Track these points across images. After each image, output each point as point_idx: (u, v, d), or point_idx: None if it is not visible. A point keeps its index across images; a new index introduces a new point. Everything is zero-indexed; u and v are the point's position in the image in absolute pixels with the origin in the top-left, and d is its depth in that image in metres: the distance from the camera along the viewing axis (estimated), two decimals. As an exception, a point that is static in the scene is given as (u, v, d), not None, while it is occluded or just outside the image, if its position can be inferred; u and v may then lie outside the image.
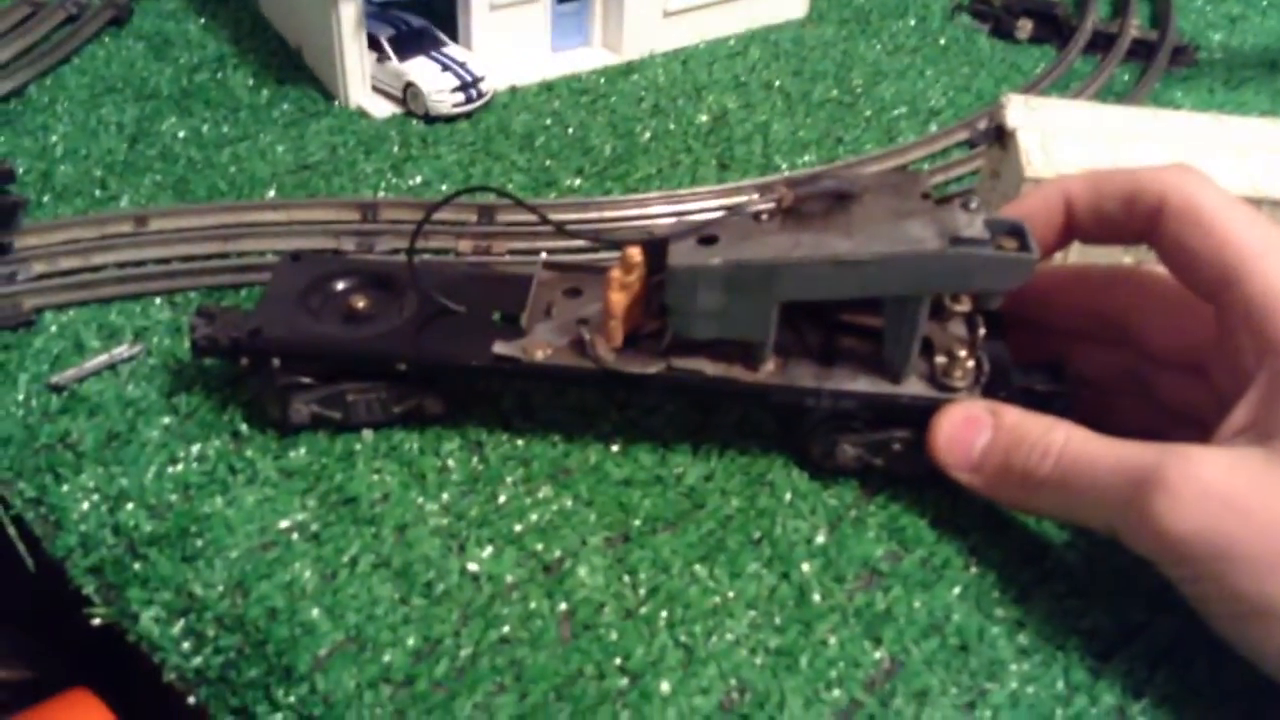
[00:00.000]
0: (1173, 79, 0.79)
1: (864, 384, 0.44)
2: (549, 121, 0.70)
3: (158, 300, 0.54)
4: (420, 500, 0.44)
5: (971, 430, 0.42)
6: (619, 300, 0.44)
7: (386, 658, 0.39)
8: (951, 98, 0.75)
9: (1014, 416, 0.42)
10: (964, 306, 0.47)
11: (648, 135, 0.69)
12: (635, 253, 0.43)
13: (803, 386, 0.44)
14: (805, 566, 0.42)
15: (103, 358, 0.50)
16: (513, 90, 0.74)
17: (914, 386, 0.44)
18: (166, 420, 0.47)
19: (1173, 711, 0.38)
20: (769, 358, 0.45)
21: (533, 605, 0.41)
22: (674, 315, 0.44)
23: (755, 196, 0.47)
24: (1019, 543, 0.44)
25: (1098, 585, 0.42)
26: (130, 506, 0.44)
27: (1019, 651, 0.40)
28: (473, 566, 0.42)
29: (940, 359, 0.45)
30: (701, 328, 0.44)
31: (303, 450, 0.46)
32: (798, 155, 0.68)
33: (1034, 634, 0.40)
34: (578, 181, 0.65)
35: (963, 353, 0.44)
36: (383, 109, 0.70)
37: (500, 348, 0.45)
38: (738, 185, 0.63)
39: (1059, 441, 0.39)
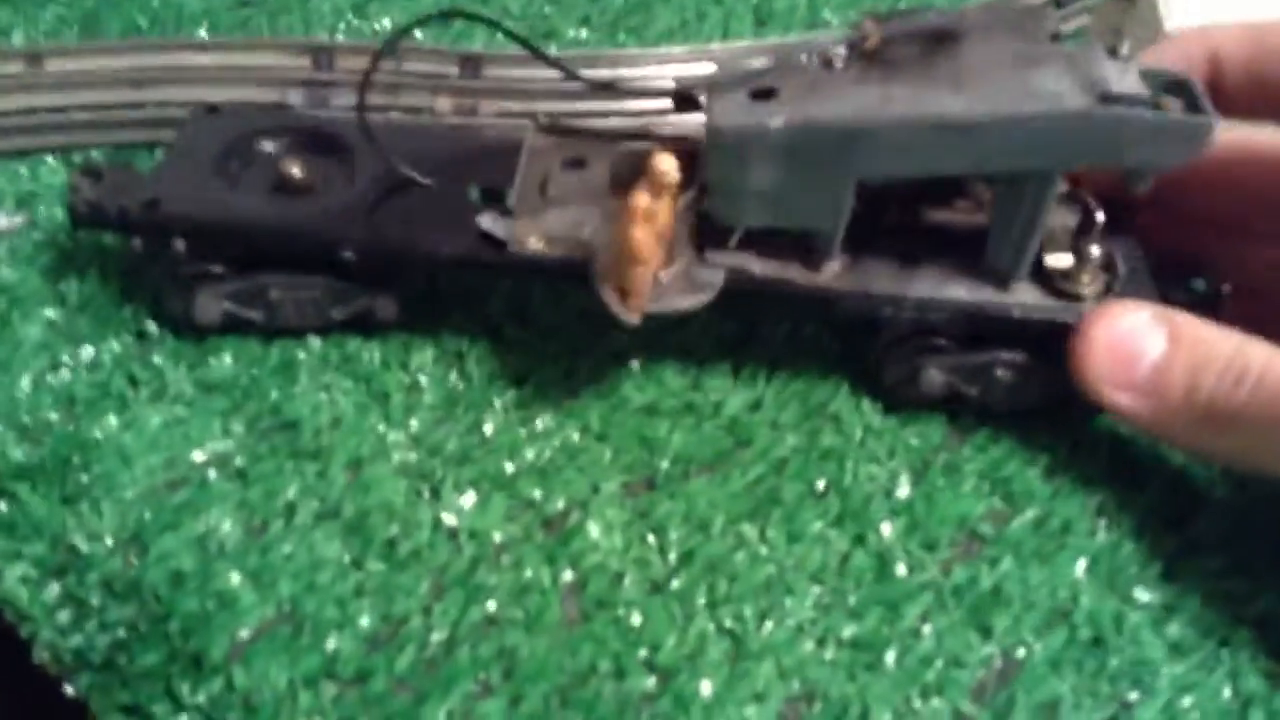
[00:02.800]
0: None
1: (961, 290, 0.34)
2: (548, -40, 0.58)
3: (50, 159, 0.42)
4: (381, 428, 0.34)
5: (1138, 340, 0.32)
6: (645, 239, 0.32)
7: (331, 644, 0.29)
8: (1031, -52, 0.63)
9: (1196, 327, 0.32)
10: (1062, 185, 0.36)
11: (668, -19, 0.57)
12: (669, 167, 0.32)
13: (879, 292, 0.34)
14: (885, 528, 0.32)
15: (-26, 230, 0.38)
16: (504, -78, 0.61)
17: (1027, 294, 0.34)
18: (50, 313, 0.36)
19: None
20: (836, 254, 0.34)
21: (528, 574, 0.31)
22: (715, 195, 0.33)
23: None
24: (1160, 500, 0.34)
25: (1265, 559, 0.32)
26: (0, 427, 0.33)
27: (1170, 648, 0.30)
28: (449, 519, 0.32)
29: (1056, 258, 0.34)
30: (751, 212, 0.33)
31: (228, 359, 0.35)
32: (850, 8, 0.56)
33: (1187, 624, 0.31)
34: (583, 33, 0.53)
35: (1094, 249, 0.34)
36: (345, -62, 0.58)
37: (487, 222, 0.34)
38: (781, 42, 0.52)
39: (1258, 363, 0.29)
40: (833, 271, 0.34)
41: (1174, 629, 0.31)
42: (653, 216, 0.32)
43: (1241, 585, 0.32)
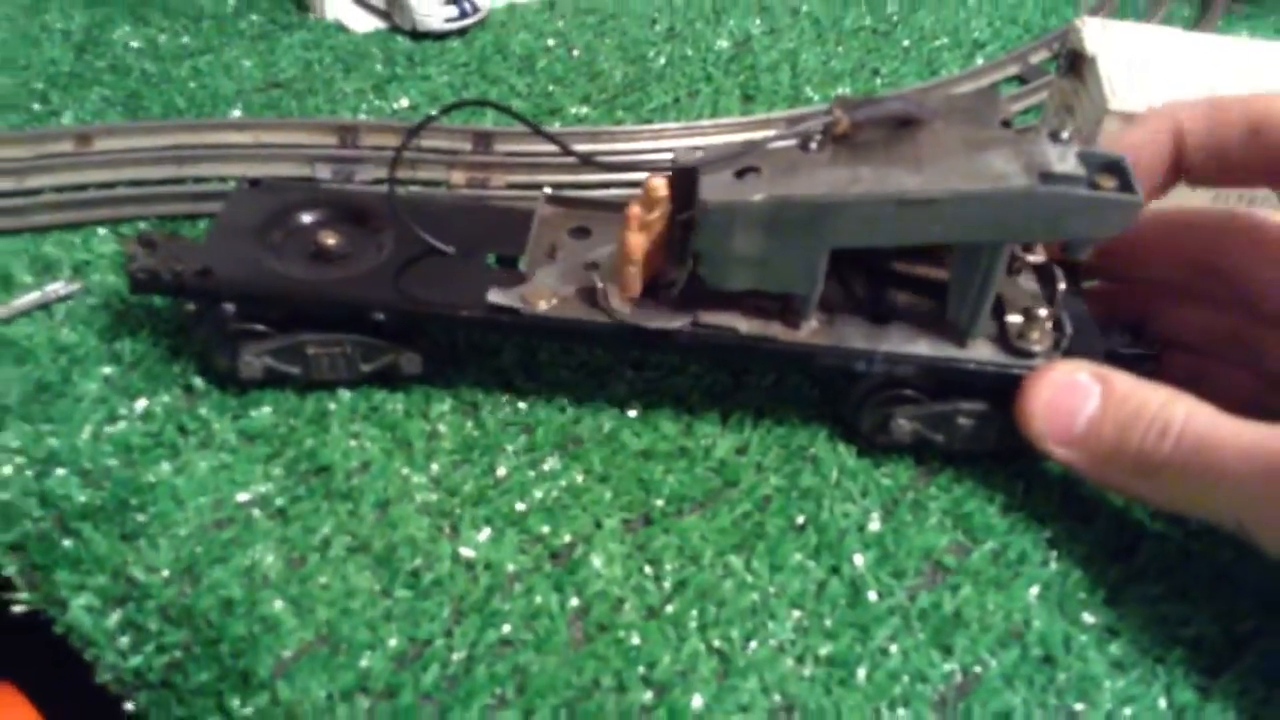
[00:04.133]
0: (1235, 18, 0.73)
1: (924, 346, 0.38)
2: (551, 42, 0.63)
3: (101, 230, 0.47)
4: (405, 471, 0.38)
5: (1075, 397, 0.35)
6: (638, 243, 0.37)
7: (364, 662, 0.32)
8: (997, 29, 0.68)
9: (1126, 384, 0.35)
10: (1037, 256, 0.41)
11: (662, 61, 0.62)
12: (659, 185, 0.36)
13: (852, 348, 0.38)
14: (858, 559, 0.36)
15: (34, 295, 0.42)
16: (510, 6, 0.66)
17: (983, 350, 0.38)
18: (107, 370, 0.40)
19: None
20: (813, 314, 0.38)
21: (539, 600, 0.34)
22: (704, 261, 0.37)
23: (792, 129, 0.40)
24: (1105, 533, 0.37)
25: (1200, 585, 0.36)
26: (61, 472, 0.37)
27: (1112, 665, 0.34)
28: (467, 552, 0.36)
29: (1013, 318, 0.39)
30: (736, 277, 0.37)
31: (267, 410, 0.39)
32: (830, 87, 0.61)
33: (1129, 644, 0.34)
34: (584, 110, 0.57)
35: (1042, 311, 0.38)
36: (364, 22, 0.63)
37: (496, 296, 0.38)
38: (766, 118, 0.56)
39: (1179, 418, 0.33)
40: (810, 329, 0.38)
41: (1116, 648, 0.34)
42: (646, 226, 0.36)
43: (1178, 609, 0.35)
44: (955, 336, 0.38)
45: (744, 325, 0.38)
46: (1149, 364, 0.39)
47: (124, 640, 0.34)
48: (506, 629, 0.34)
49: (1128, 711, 0.33)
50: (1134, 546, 0.37)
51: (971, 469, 0.39)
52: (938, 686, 0.33)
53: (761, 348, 0.38)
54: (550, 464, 0.39)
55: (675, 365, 0.42)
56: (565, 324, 0.38)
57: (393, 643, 0.33)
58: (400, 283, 0.39)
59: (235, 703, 0.32)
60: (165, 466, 0.37)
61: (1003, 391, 0.37)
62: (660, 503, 0.38)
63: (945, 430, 0.39)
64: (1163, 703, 0.33)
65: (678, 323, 0.37)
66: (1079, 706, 0.33)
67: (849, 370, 0.38)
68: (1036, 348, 0.38)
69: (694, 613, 0.34)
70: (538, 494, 0.38)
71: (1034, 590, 0.36)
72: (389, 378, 0.40)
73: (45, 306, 0.42)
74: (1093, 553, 0.37)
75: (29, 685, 0.41)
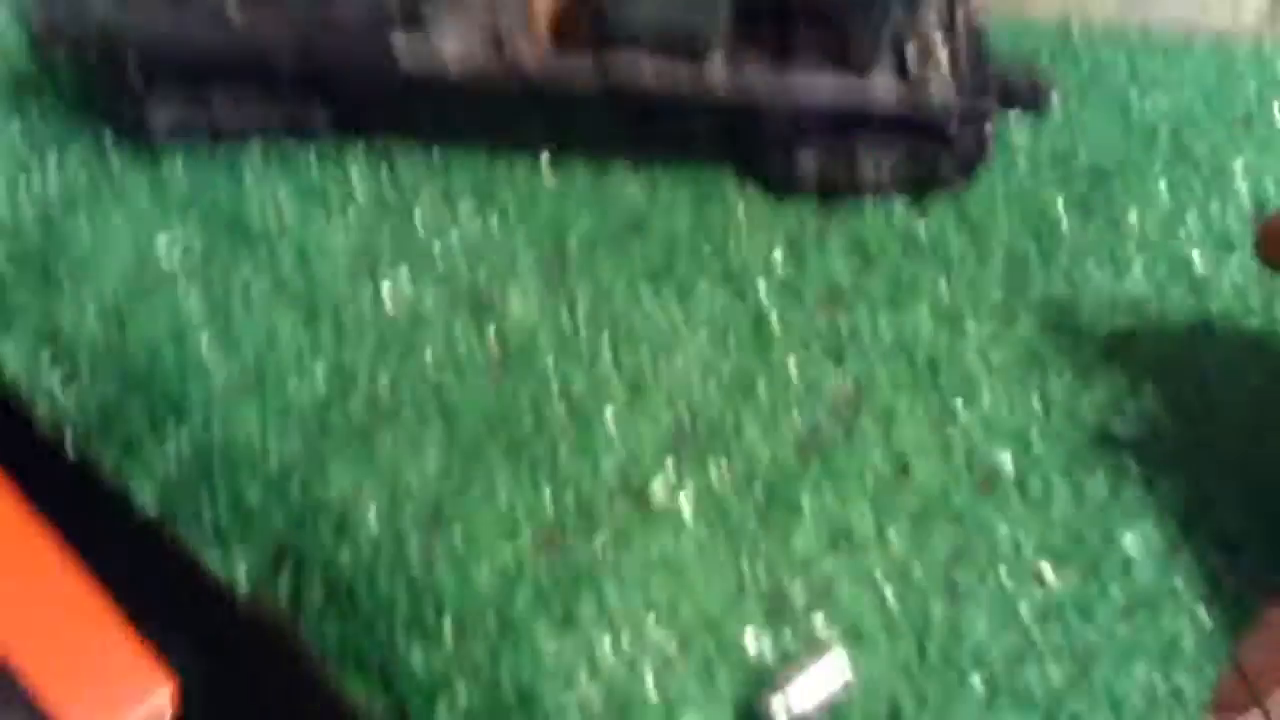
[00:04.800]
0: None
1: (826, 82, 0.39)
2: None
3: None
4: (323, 221, 0.38)
5: None
6: None
7: (292, 392, 0.34)
8: None
9: None
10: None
11: None
12: None
13: (756, 88, 0.38)
14: (762, 286, 0.38)
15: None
16: None
17: (884, 84, 0.39)
18: (16, 126, 0.40)
19: (1151, 427, 0.36)
20: (718, 55, 0.39)
21: (458, 333, 0.36)
22: (610, 2, 0.37)
23: None
24: (997, 262, 0.40)
25: (1082, 295, 0.39)
26: (-23, 228, 0.37)
27: (992, 369, 0.37)
28: (388, 292, 0.37)
29: (912, 50, 0.39)
30: (641, 16, 0.37)
31: (179, 163, 0.39)
32: None
33: (1009, 351, 0.37)
34: None
35: (940, 43, 0.39)
36: None
37: (403, 56, 0.38)
38: None
39: None
40: (717, 71, 0.39)
41: (996, 355, 0.37)
42: None
43: (1060, 319, 0.38)
44: (856, 71, 0.39)
45: (651, 69, 0.38)
46: (1043, 99, 0.40)
47: (56, 384, 0.35)
48: (428, 360, 0.35)
49: (1004, 407, 0.36)
50: (1024, 268, 0.40)
51: (873, 205, 0.41)
52: (830, 395, 0.36)
53: (669, 91, 0.38)
54: (465, 210, 0.39)
55: (587, 113, 0.43)
56: (472, 80, 0.38)
57: (319, 373, 0.35)
58: (305, 30, 0.38)
59: (170, 432, 0.34)
60: (82, 219, 0.38)
61: (902, 126, 0.39)
62: (574, 243, 0.39)
63: (847, 166, 0.40)
64: (1035, 400, 0.36)
65: (586, 71, 0.38)
66: (958, 402, 0.36)
67: (754, 110, 0.39)
68: (934, 80, 0.39)
69: (606, 339, 0.36)
70: (454, 238, 0.39)
71: (924, 308, 0.38)
72: (300, 133, 0.40)
73: (-58, 68, 0.41)
74: (984, 277, 0.39)
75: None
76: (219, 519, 0.33)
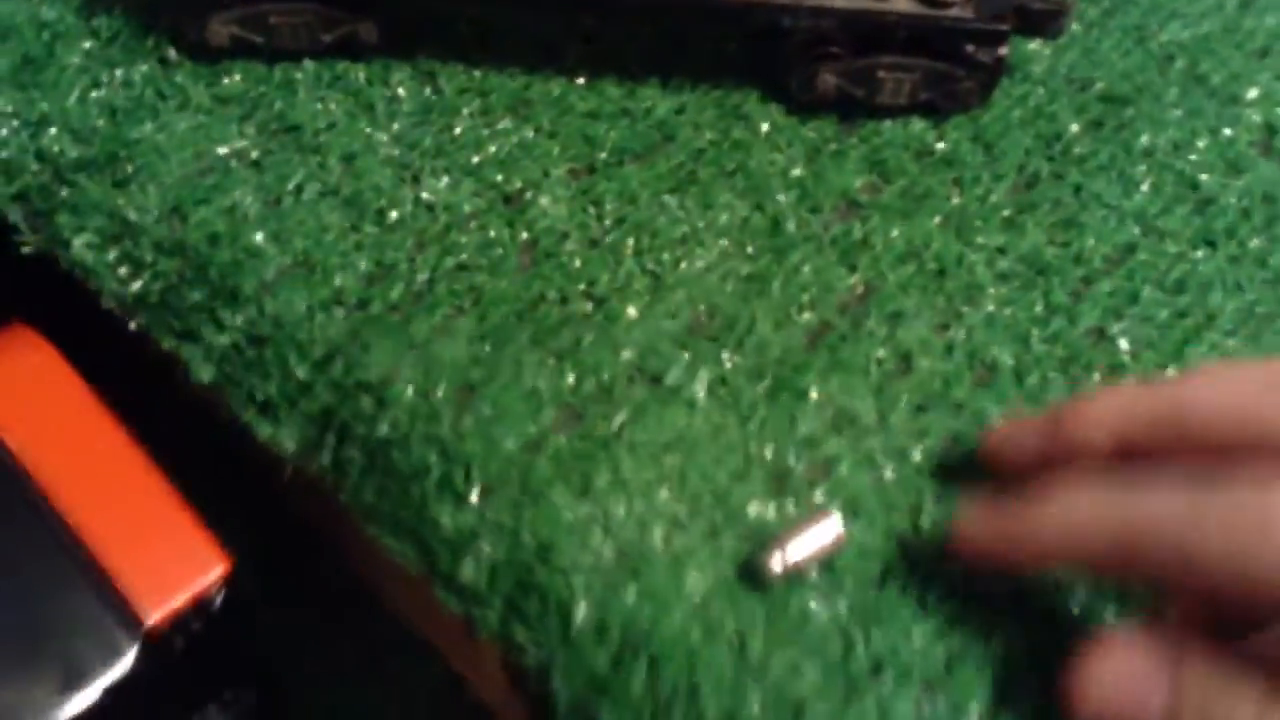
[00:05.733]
0: None
1: (845, 0, 0.41)
2: None
3: (68, -79, 0.48)
4: (369, 130, 0.41)
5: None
6: None
7: (338, 281, 0.37)
8: None
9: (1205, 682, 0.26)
10: None
11: None
12: None
13: (779, 3, 0.40)
14: (780, 198, 0.40)
15: (9, -22, 0.45)
16: None
17: (903, 3, 0.41)
18: (87, 45, 0.43)
19: (1148, 331, 0.37)
20: None
21: (492, 234, 0.39)
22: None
23: None
24: (1009, 174, 0.41)
25: (1090, 210, 0.40)
26: (53, 131, 0.40)
27: (998, 277, 0.38)
28: (427, 196, 0.39)
29: None
30: None
31: (238, 77, 0.42)
32: None
33: (1016, 260, 0.39)
34: None
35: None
36: None
37: None
38: None
39: None
40: None
41: (1004, 263, 0.39)
42: None
43: (1064, 234, 0.40)
44: None
45: (679, -19, 0.40)
46: (1059, 22, 0.41)
47: (122, 270, 0.38)
48: (463, 257, 0.38)
49: (1007, 311, 0.37)
50: (1033, 184, 0.41)
51: (891, 122, 0.43)
52: (842, 295, 0.38)
53: (696, 5, 0.40)
54: (503, 124, 0.42)
55: (619, 36, 0.45)
56: None
57: (362, 266, 0.37)
58: None
59: (227, 315, 0.37)
60: (148, 125, 0.40)
61: (920, 43, 0.40)
62: (603, 155, 0.41)
63: (867, 84, 0.42)
64: (1039, 306, 0.38)
65: None
66: (965, 308, 0.37)
67: (776, 25, 0.41)
68: (952, 1, 0.40)
69: (630, 242, 0.39)
70: (491, 149, 0.41)
71: (936, 219, 0.40)
72: (349, 48, 0.43)
73: (22, -12, 0.45)
74: (995, 192, 0.41)
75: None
76: (269, 395, 0.36)
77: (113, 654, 0.36)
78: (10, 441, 0.39)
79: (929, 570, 0.31)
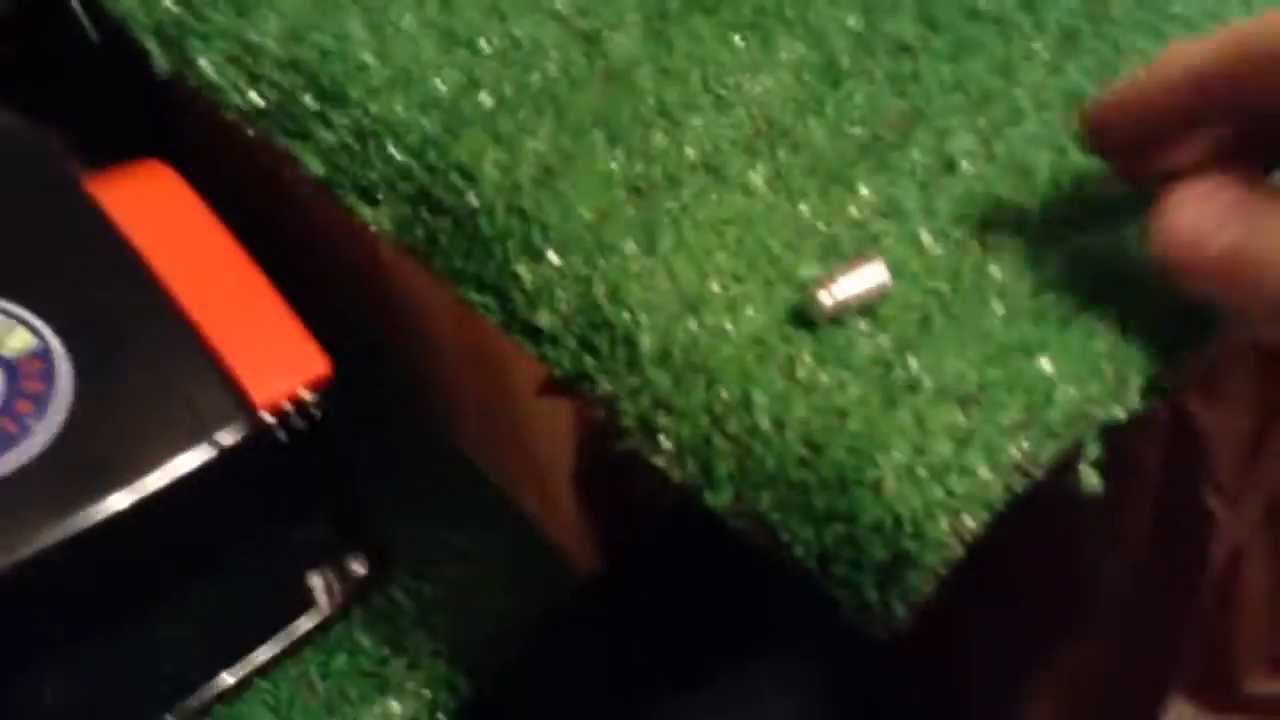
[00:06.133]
0: None
1: None
2: None
3: None
4: (465, -19, 0.46)
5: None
6: None
7: (433, 89, 0.41)
8: None
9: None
10: None
11: None
12: None
13: None
14: (837, 41, 0.44)
15: None
16: None
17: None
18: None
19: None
20: None
21: (571, 60, 0.43)
22: None
23: None
24: (1052, 29, 0.44)
25: (1126, 57, 0.43)
26: (185, -28, 0.45)
27: (1038, 105, 0.41)
28: (514, 31, 0.44)
29: None
30: None
31: (349, -64, 0.47)
32: None
33: (1055, 94, 0.42)
34: None
35: None
36: None
37: None
38: None
39: None
40: None
41: (1043, 95, 0.42)
42: None
43: (1103, 67, 0.43)
44: None
45: None
46: None
47: (243, 83, 0.43)
48: (545, 76, 0.42)
49: (1045, 131, 0.40)
50: (1073, 38, 0.44)
51: (941, -13, 0.46)
52: (890, 115, 0.41)
53: None
54: (583, -19, 0.46)
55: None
56: None
57: (455, 79, 0.41)
58: None
59: (335, 116, 0.41)
60: (268, -30, 0.45)
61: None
62: (675, 5, 0.45)
63: (919, -50, 0.45)
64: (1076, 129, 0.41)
65: None
66: (1006, 128, 0.40)
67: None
68: None
69: (696, 71, 0.42)
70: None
71: (981, 62, 0.43)
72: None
73: None
74: (1038, 42, 0.44)
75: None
76: (371, 181, 0.40)
77: (227, 421, 0.40)
78: (143, 251, 0.43)
79: (966, 316, 0.34)
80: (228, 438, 0.40)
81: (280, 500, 0.47)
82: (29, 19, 0.49)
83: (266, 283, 0.44)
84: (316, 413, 0.43)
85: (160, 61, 0.45)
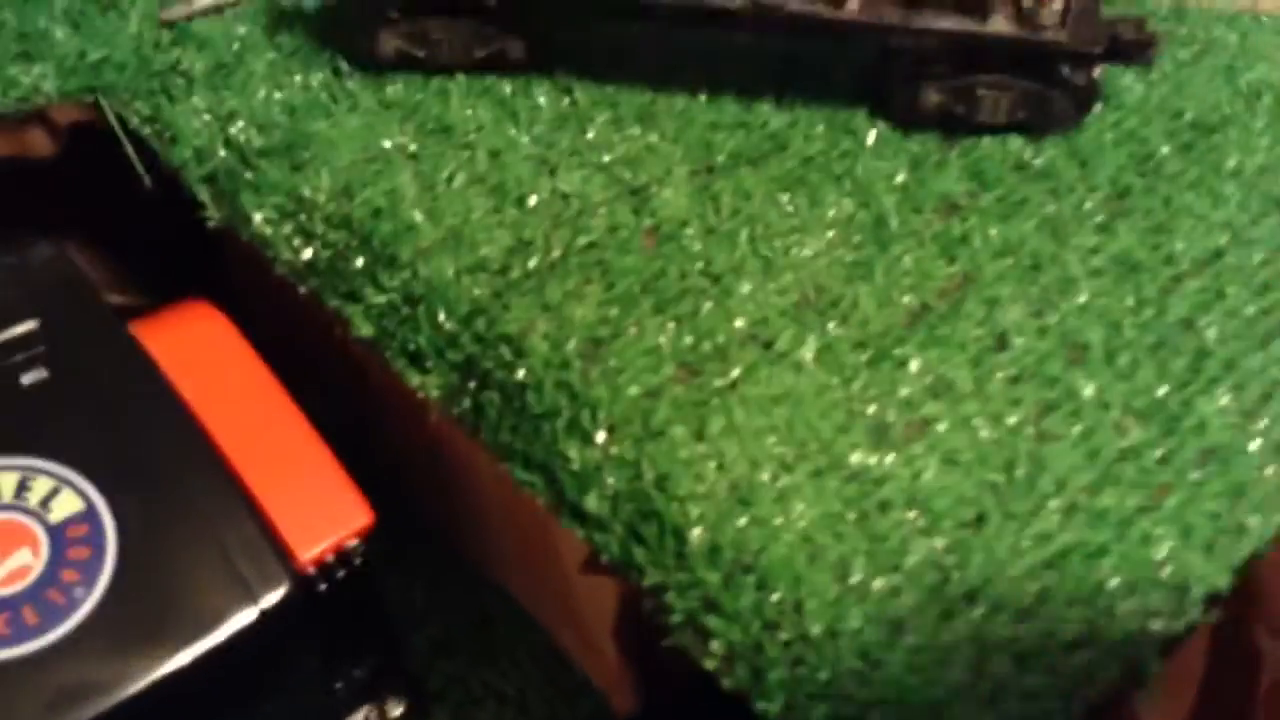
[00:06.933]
0: None
1: (949, 22, 0.44)
2: None
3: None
4: (513, 132, 0.46)
5: None
6: None
7: (482, 252, 0.41)
8: None
9: None
10: None
11: None
12: None
13: (887, 23, 0.44)
14: (885, 199, 0.44)
15: (209, 1, 0.51)
16: None
17: (1001, 24, 0.44)
18: (271, 55, 0.49)
19: (1236, 324, 0.39)
20: None
21: (619, 219, 0.43)
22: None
23: None
24: (1103, 186, 0.44)
25: (1179, 219, 0.43)
26: (241, 124, 0.46)
27: (1091, 273, 0.41)
28: (562, 186, 0.44)
29: (1032, 5, 0.44)
30: None
31: (400, 85, 0.48)
32: None
33: (1108, 259, 0.41)
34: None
35: (1054, -7, 0.44)
36: None
37: None
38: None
39: None
40: (852, 9, 0.45)
41: (1098, 261, 0.41)
42: None
43: (1157, 237, 0.42)
44: (976, 13, 0.44)
45: (795, 3, 0.44)
46: (1146, 52, 0.45)
47: (296, 241, 0.43)
48: (593, 236, 0.42)
49: (1099, 301, 0.40)
50: (1125, 195, 0.44)
51: (991, 137, 0.46)
52: (941, 282, 0.41)
53: (810, 21, 0.44)
54: (631, 130, 0.46)
55: (737, 54, 0.49)
56: (647, 6, 0.45)
57: (504, 240, 0.42)
58: None
59: (385, 278, 0.41)
60: (322, 122, 0.46)
61: (1018, 64, 0.44)
62: (722, 158, 0.45)
63: (967, 102, 0.45)
64: (1131, 298, 0.40)
65: (738, 2, 0.44)
66: (1058, 298, 0.40)
67: (884, 45, 0.45)
68: (1047, 23, 0.44)
69: (745, 231, 0.42)
70: (620, 150, 0.45)
71: (1032, 222, 0.43)
72: (498, 63, 0.48)
73: (219, 10, 0.51)
74: (1089, 200, 0.44)
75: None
76: (420, 346, 0.40)
77: (270, 580, 0.40)
78: (188, 397, 0.43)
79: (1022, 514, 0.34)
80: (272, 598, 0.40)
81: (320, 645, 0.47)
82: (83, 161, 0.50)
83: (311, 429, 0.45)
84: (358, 560, 0.42)
85: (213, 211, 0.45)
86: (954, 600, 0.32)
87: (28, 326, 0.45)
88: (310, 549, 0.41)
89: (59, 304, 0.46)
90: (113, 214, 0.51)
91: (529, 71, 0.48)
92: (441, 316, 0.40)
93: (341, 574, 0.43)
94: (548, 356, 0.38)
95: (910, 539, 0.33)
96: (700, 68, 0.49)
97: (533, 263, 0.41)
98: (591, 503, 0.35)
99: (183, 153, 0.46)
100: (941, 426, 0.36)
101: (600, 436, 0.36)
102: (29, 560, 0.39)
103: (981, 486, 0.34)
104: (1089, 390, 0.37)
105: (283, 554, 0.41)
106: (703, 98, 0.48)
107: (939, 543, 0.33)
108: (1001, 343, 0.39)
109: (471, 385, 0.39)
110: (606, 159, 0.45)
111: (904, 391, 0.37)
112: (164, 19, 0.50)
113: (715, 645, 0.32)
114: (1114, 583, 0.32)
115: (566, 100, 0.48)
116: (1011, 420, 0.36)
